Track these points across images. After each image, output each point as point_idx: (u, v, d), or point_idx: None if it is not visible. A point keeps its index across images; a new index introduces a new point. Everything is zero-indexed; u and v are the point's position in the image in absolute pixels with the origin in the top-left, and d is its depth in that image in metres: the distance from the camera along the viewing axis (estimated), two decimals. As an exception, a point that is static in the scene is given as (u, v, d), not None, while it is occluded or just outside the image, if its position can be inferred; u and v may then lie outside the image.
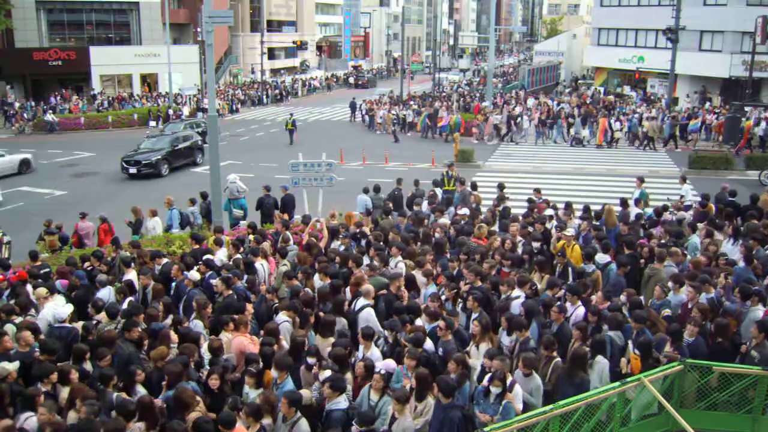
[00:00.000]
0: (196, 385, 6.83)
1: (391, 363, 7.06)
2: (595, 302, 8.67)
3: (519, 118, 32.90)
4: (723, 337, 7.91)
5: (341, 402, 6.39)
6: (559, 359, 7.31)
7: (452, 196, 15.46)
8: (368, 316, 8.43)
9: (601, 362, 7.36)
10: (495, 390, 6.54)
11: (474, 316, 8.28)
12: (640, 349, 7.45)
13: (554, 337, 7.67)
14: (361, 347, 7.55)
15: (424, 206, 14.18)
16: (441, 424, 6.26)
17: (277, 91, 55.78)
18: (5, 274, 10.32)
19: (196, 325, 8.37)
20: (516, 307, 8.57)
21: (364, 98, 43.37)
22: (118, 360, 7.32)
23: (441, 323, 7.75)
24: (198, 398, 6.42)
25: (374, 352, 7.46)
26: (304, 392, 6.67)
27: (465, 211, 13.79)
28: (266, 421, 6.14)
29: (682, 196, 15.12)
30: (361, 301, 8.74)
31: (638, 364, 7.33)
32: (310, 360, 7.18)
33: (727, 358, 7.62)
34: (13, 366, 6.96)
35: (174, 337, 7.84)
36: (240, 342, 7.77)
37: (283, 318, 8.34)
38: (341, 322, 8.46)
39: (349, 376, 7.15)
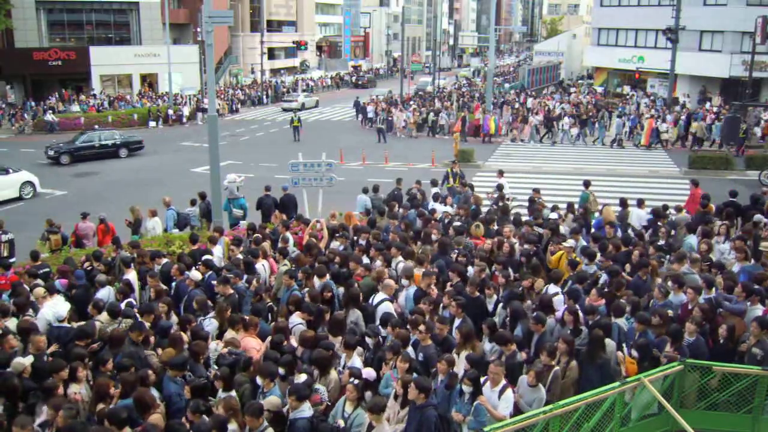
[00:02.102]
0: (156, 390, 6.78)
1: (371, 372, 6.92)
2: (590, 300, 8.62)
3: (559, 119, 32.55)
4: (729, 338, 7.89)
5: (305, 410, 6.22)
6: (557, 368, 7.18)
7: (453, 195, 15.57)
8: (386, 310, 8.50)
9: (610, 344, 7.62)
10: (466, 389, 6.52)
11: (457, 322, 8.16)
12: (638, 350, 7.43)
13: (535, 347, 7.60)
14: (342, 356, 7.41)
15: (432, 206, 14.26)
16: (419, 425, 6.17)
17: (285, 89, 57.12)
18: (5, 274, 10.32)
19: (211, 323, 8.40)
20: (558, 303, 8.71)
21: (364, 100, 43.09)
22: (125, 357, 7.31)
23: (421, 327, 7.58)
24: (158, 401, 6.37)
25: (356, 361, 7.31)
26: (274, 399, 6.44)
27: (449, 209, 13.96)
28: (232, 426, 6.02)
29: (499, 188, 15.62)
30: (380, 295, 8.81)
31: (634, 368, 7.26)
32: (282, 371, 6.97)
33: (727, 359, 7.62)
34: (28, 360, 7.09)
35: (185, 339, 7.85)
36: (248, 342, 7.74)
37: (296, 320, 8.34)
38: (355, 314, 8.51)
39: (334, 375, 7.00)
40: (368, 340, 7.80)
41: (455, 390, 6.73)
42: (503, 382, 6.66)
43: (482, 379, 6.73)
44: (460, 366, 7.12)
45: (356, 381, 6.44)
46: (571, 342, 7.43)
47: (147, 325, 8.19)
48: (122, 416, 5.86)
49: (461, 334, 7.49)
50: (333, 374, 7.05)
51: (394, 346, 7.20)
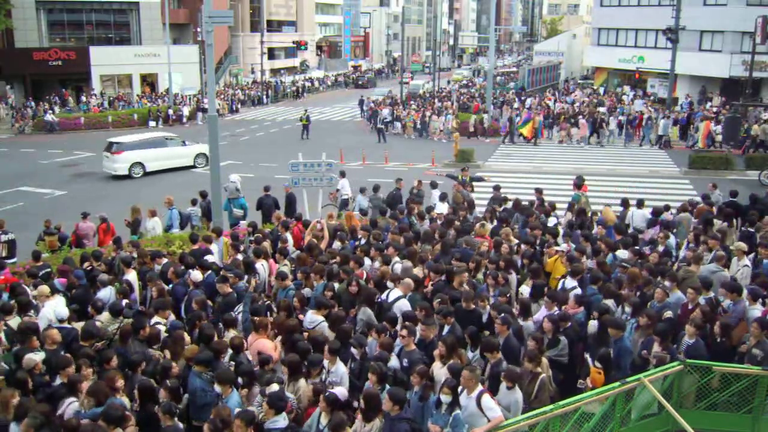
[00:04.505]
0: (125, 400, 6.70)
1: (343, 390, 6.68)
2: (567, 308, 8.45)
3: (606, 120, 32.07)
4: (726, 338, 7.86)
5: (279, 421, 6.03)
6: (544, 375, 6.96)
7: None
8: (402, 307, 8.47)
9: None
10: (445, 398, 6.26)
11: (446, 329, 7.91)
12: (600, 361, 7.28)
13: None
14: (326, 362, 7.10)
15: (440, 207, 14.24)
16: None
17: (295, 88, 58.29)
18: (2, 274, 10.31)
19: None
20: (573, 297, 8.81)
21: (372, 102, 42.67)
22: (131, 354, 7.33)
23: (403, 331, 7.33)
24: (129, 414, 6.27)
25: (339, 368, 7.10)
26: (251, 409, 6.31)
27: (442, 209, 13.93)
28: None
29: (338, 189, 16.22)
30: (395, 292, 8.78)
31: (601, 378, 7.11)
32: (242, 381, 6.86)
33: (726, 359, 7.60)
34: (39, 357, 7.13)
35: (187, 338, 7.86)
36: (264, 346, 7.66)
37: (318, 318, 8.25)
38: (366, 313, 8.47)
39: (303, 384, 6.80)
40: (353, 351, 7.52)
41: (430, 401, 6.50)
42: (479, 388, 6.35)
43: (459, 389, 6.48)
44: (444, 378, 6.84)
45: (327, 392, 6.16)
46: (540, 340, 7.30)
47: (163, 322, 8.22)
48: (117, 414, 5.84)
49: (446, 346, 7.10)
50: (302, 383, 6.79)
51: (380, 356, 6.99)
